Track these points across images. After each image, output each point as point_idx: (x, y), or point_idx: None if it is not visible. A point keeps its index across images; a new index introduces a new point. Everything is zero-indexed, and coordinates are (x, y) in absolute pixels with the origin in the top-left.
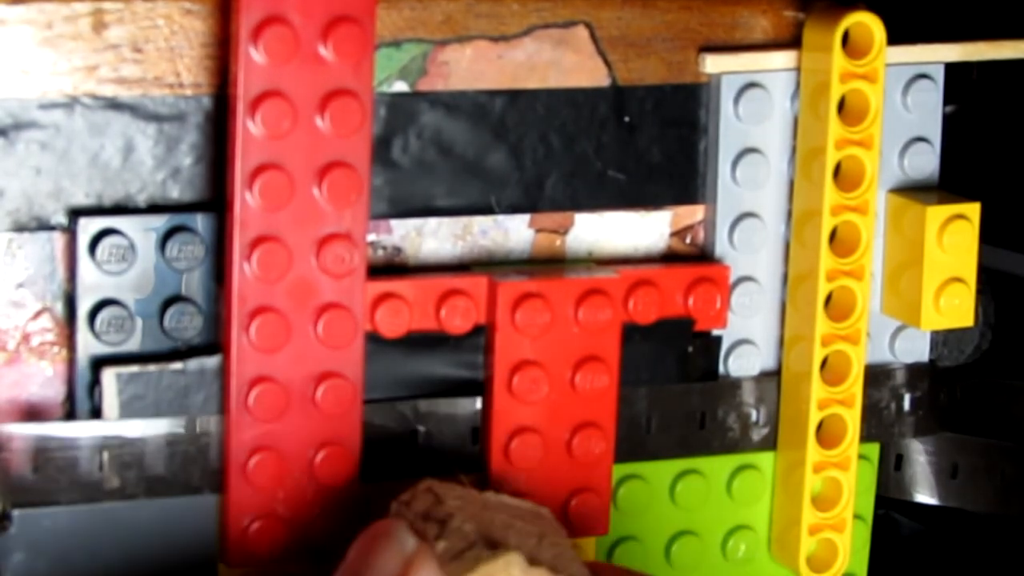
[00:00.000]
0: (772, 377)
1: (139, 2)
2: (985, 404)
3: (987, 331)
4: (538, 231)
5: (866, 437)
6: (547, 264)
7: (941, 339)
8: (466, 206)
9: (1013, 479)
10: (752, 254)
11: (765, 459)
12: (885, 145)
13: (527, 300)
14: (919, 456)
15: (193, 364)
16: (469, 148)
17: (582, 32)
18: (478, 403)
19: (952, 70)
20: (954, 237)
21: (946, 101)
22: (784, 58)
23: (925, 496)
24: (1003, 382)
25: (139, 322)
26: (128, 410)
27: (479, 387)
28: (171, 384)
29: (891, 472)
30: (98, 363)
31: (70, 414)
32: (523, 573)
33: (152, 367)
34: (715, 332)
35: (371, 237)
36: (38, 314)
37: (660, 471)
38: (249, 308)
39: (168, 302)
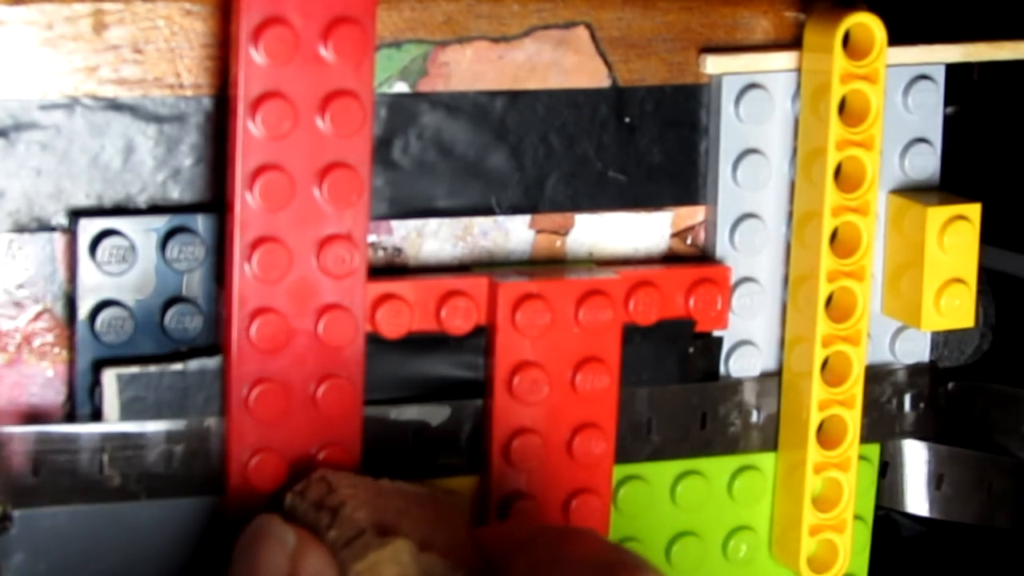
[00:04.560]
0: (773, 378)
1: (139, 3)
2: (979, 409)
3: (987, 332)
4: (539, 232)
5: (867, 438)
6: (547, 265)
7: (942, 340)
8: (467, 207)
9: (1001, 492)
10: (753, 255)
11: (766, 460)
12: (886, 146)
13: (527, 301)
14: (905, 465)
15: (194, 365)
16: (470, 149)
17: (583, 33)
18: (479, 404)
19: (953, 71)
20: (955, 238)
21: (947, 102)
22: (785, 59)
23: (910, 506)
24: (996, 387)
25: (140, 323)
26: (129, 411)
27: (479, 388)
28: (172, 385)
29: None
30: (99, 364)
31: (71, 415)
32: (413, 559)
33: (153, 368)
34: (716, 333)
35: (372, 238)
36: (39, 315)
37: (661, 472)
38: (249, 309)
39: (169, 303)
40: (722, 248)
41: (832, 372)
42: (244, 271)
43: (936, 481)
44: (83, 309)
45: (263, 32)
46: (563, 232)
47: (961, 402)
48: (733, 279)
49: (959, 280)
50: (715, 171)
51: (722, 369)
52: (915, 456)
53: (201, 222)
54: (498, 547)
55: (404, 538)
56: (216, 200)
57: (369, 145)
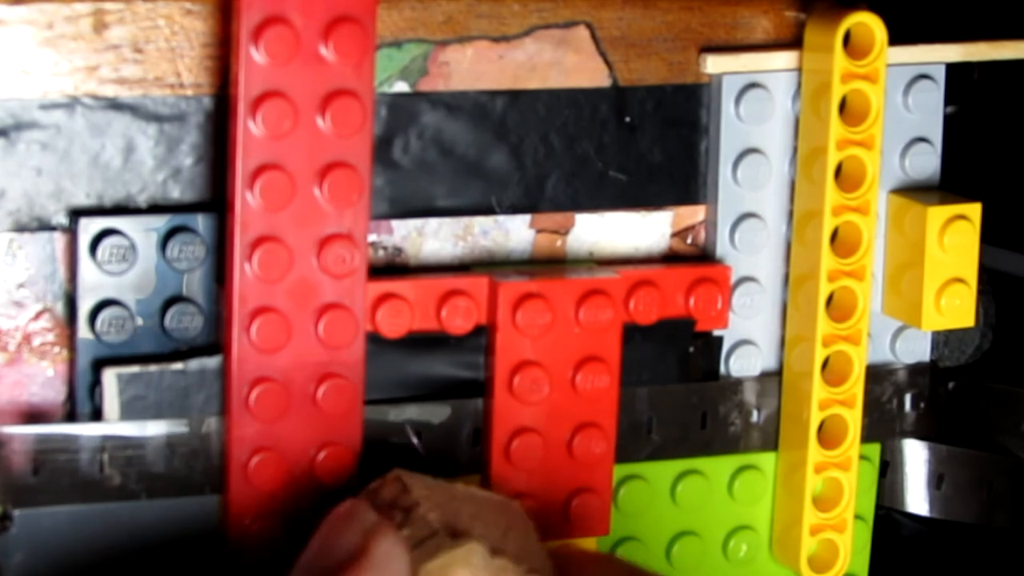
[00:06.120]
0: (773, 377)
1: (140, 2)
2: (979, 408)
3: (988, 331)
4: (539, 231)
5: (867, 437)
6: (548, 264)
7: (942, 339)
8: (467, 206)
9: (1001, 492)
10: (753, 254)
11: (766, 459)
12: (886, 145)
13: (528, 300)
14: (905, 464)
15: (194, 364)
16: (470, 148)
17: (583, 32)
18: (479, 403)
19: (953, 70)
20: (955, 237)
21: (947, 101)
22: (785, 58)
23: (910, 505)
24: (996, 386)
25: (140, 322)
26: (129, 410)
27: (480, 387)
28: (172, 384)
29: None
30: (99, 363)
31: (71, 415)
32: (485, 563)
33: (153, 367)
34: (716, 332)
35: (372, 237)
36: (39, 314)
37: (661, 471)
38: (250, 308)
39: (169, 302)
40: (722, 248)
41: (833, 372)
42: (244, 271)
43: (936, 481)
44: (83, 309)
45: (263, 32)
46: (563, 232)
47: (961, 402)
48: (733, 279)
49: (959, 280)
50: (715, 171)
51: (722, 369)
52: (915, 456)
53: (201, 222)
54: (574, 564)
55: (476, 541)
56: (216, 200)
57: (369, 145)
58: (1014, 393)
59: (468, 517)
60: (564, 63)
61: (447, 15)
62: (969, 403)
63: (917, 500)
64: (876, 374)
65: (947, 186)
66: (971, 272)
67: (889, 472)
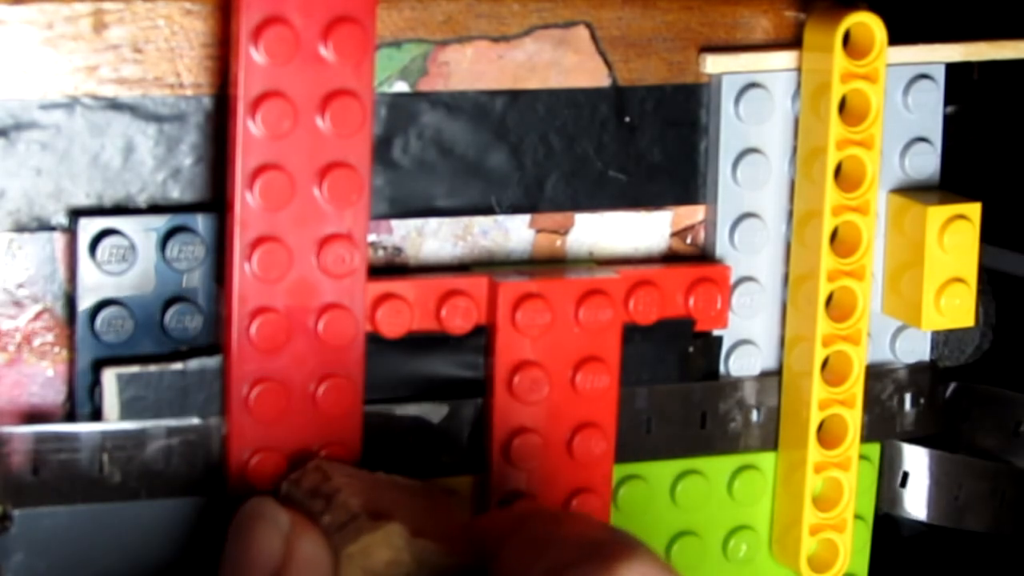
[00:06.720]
0: (773, 377)
1: (139, 2)
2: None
3: (988, 331)
4: (539, 231)
5: (867, 437)
6: (548, 264)
7: (942, 339)
8: (467, 206)
9: (1011, 500)
10: (753, 254)
11: (766, 459)
12: (886, 145)
13: (528, 300)
14: (923, 475)
15: (194, 364)
16: (470, 148)
17: (583, 32)
18: (479, 403)
19: (953, 70)
20: (955, 237)
21: (947, 101)
22: (785, 58)
23: (926, 515)
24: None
25: (140, 322)
26: (129, 410)
27: (479, 387)
28: (172, 384)
29: (896, 488)
30: (99, 364)
31: (71, 415)
32: (406, 543)
33: (153, 367)
34: (716, 332)
35: (372, 237)
36: (39, 315)
37: (660, 471)
38: (249, 308)
39: (169, 302)
40: (722, 247)
41: (832, 371)
42: (244, 270)
43: (954, 492)
44: (83, 308)
45: (263, 32)
46: (563, 232)
47: (960, 401)
48: (733, 278)
49: (959, 279)
50: (715, 170)
51: (722, 368)
52: (933, 467)
53: (201, 222)
54: (493, 531)
55: (397, 522)
56: (216, 200)
57: (369, 145)
58: (1012, 397)
59: (389, 502)
60: (564, 63)
61: (447, 15)
62: (967, 403)
63: (934, 511)
64: (876, 374)
65: (947, 186)
66: (971, 272)
67: (907, 482)
